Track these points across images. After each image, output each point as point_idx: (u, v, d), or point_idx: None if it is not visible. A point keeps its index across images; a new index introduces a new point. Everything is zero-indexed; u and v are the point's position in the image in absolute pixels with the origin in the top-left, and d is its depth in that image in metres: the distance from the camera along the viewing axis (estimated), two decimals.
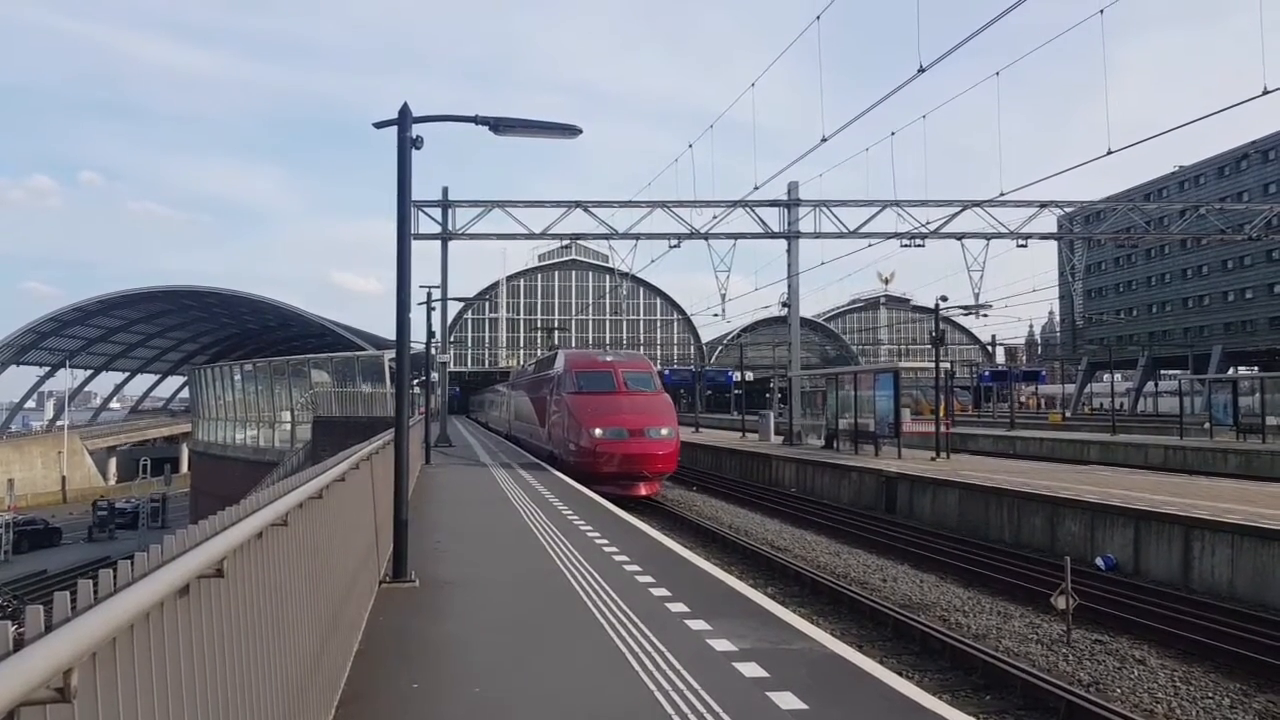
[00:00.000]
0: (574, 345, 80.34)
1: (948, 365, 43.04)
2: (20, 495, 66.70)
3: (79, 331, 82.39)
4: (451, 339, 47.87)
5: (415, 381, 37.62)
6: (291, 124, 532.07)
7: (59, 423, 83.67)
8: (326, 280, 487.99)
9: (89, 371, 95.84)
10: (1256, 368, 66.79)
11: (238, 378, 59.03)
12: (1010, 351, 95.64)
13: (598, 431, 22.42)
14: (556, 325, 65.06)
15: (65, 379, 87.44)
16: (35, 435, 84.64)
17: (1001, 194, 25.94)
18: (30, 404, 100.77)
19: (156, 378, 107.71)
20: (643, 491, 22.58)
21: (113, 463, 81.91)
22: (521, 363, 73.06)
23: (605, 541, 11.51)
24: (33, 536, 49.56)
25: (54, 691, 1.52)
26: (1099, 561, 15.15)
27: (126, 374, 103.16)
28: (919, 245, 33.85)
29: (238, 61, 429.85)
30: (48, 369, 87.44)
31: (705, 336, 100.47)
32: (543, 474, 21.85)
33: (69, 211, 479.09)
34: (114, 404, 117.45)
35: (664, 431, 22.91)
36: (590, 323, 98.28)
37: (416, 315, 26.55)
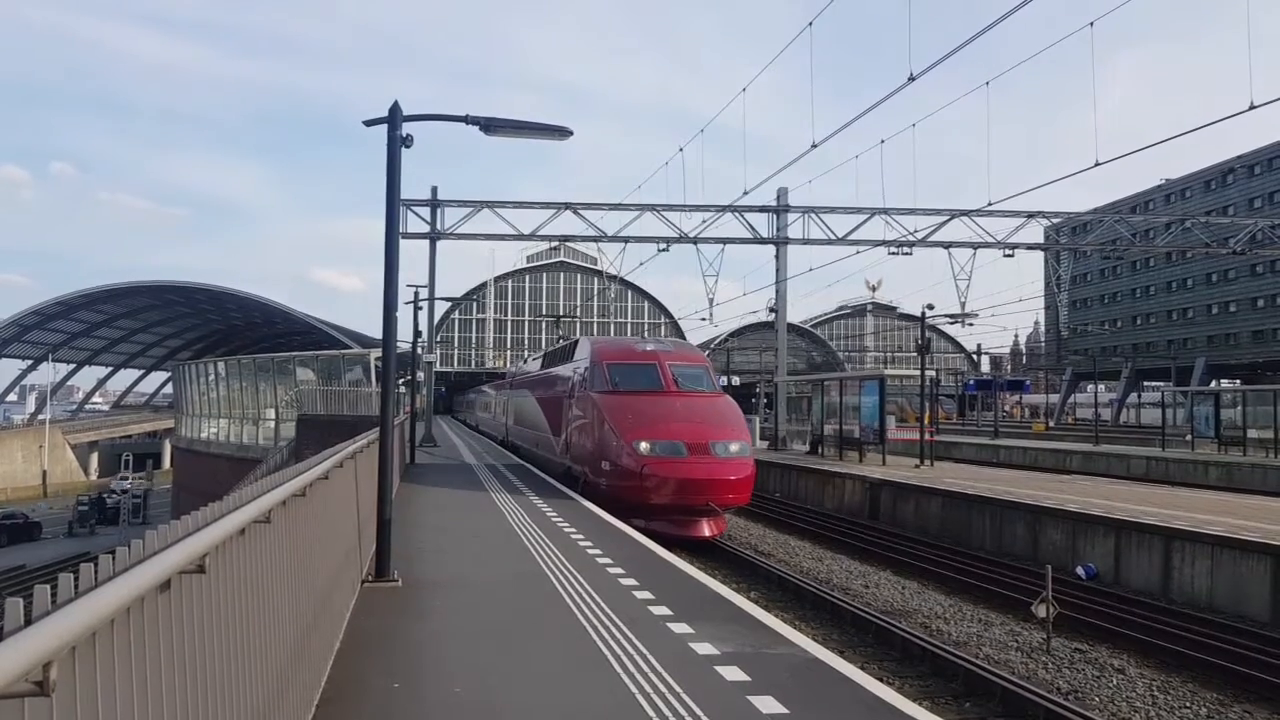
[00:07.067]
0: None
1: (933, 373, 43.30)
2: (0, 489, 66.11)
3: (62, 325, 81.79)
4: (438, 339, 47.79)
5: (400, 381, 37.53)
6: (271, 119, 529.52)
7: (40, 416, 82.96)
8: (306, 277, 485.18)
9: (71, 366, 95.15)
10: (1239, 381, 67.31)
11: (222, 374, 58.72)
12: (995, 360, 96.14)
13: (644, 446, 16.68)
14: (562, 315, 60.01)
15: (48, 373, 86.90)
16: (16, 429, 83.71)
17: (989, 204, 26.13)
18: (12, 397, 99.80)
19: (140, 373, 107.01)
20: (706, 532, 17.16)
21: (94, 457, 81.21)
22: (509, 364, 72.27)
23: (589, 544, 11.50)
24: (12, 531, 49.08)
25: (33, 685, 1.51)
26: (1080, 570, 15.25)
27: (110, 369, 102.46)
28: (907, 253, 34.00)
29: (217, 56, 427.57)
30: (30, 362, 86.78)
31: (692, 341, 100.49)
32: (528, 475, 21.75)
33: (43, 203, 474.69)
34: (96, 399, 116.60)
35: (734, 447, 17.11)
36: (578, 325, 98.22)
37: (403, 314, 26.35)
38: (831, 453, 29.31)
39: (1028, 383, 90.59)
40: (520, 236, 34.23)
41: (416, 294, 29.54)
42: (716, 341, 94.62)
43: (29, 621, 1.56)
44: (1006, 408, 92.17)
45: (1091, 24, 19.06)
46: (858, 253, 34.32)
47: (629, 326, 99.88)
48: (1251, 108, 15.97)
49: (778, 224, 34.10)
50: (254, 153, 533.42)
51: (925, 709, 5.81)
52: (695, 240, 33.78)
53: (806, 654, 6.67)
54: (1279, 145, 66.71)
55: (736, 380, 62.99)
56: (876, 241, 33.44)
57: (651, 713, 5.23)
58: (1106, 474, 29.62)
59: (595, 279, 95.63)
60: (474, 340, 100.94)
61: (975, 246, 34.30)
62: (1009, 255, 34.63)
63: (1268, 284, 68.28)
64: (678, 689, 5.65)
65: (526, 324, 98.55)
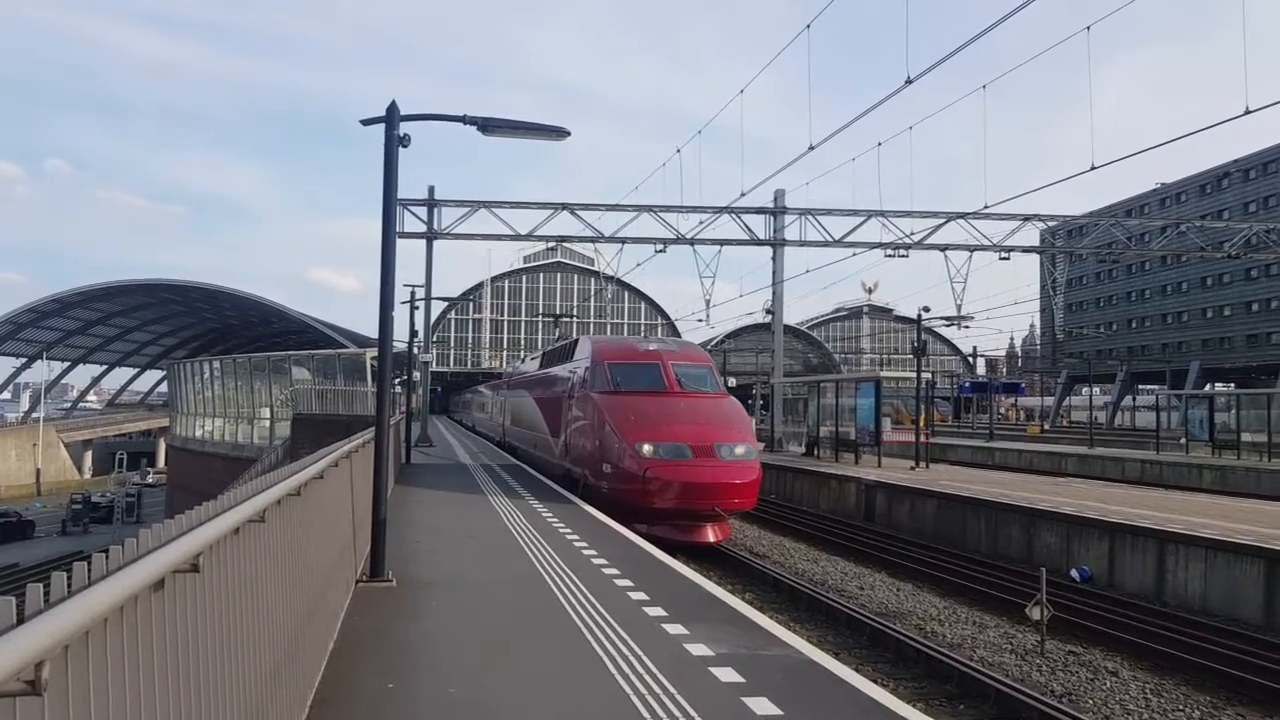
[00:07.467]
0: None
1: (929, 375, 43.35)
2: None
3: (57, 323, 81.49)
4: (434, 339, 47.70)
5: (396, 380, 37.49)
6: (271, 119, 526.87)
7: (34, 415, 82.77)
8: (303, 276, 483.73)
9: (66, 364, 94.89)
10: (1233, 384, 67.53)
11: (217, 372, 58.60)
12: (991, 363, 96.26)
13: (646, 449, 16.21)
14: (560, 315, 59.10)
15: (42, 371, 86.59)
16: (10, 427, 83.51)
17: (985, 206, 26.20)
18: (5, 395, 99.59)
19: (135, 371, 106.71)
20: (710, 537, 16.70)
21: (88, 456, 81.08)
22: (505, 364, 72.14)
23: (584, 545, 11.49)
24: (5, 529, 48.93)
25: (25, 684, 1.50)
26: (1074, 573, 15.27)
27: (104, 367, 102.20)
28: (903, 255, 34.07)
29: (217, 56, 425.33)
30: (24, 360, 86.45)
31: None
32: (525, 476, 21.74)
33: (39, 200, 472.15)
34: (91, 397, 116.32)
35: (739, 450, 16.64)
36: (575, 325, 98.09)
37: (399, 314, 26.28)
38: (827, 454, 29.32)
39: (1023, 385, 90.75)
40: (517, 237, 34.22)
41: (413, 294, 29.56)
42: (713, 343, 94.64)
43: (21, 620, 1.55)
44: (1002, 410, 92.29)
45: (1088, 28, 19.14)
46: (854, 255, 34.44)
47: (626, 327, 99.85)
48: (1247, 112, 16.03)
49: (774, 226, 34.13)
50: (253, 152, 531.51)
51: (919, 711, 5.82)
52: (692, 241, 33.80)
53: (801, 655, 6.67)
54: (1274, 150, 66.98)
55: (733, 381, 62.97)
56: (873, 244, 33.50)
57: (646, 714, 5.22)
58: (1101, 477, 29.66)
59: (592, 280, 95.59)
60: (470, 340, 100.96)
61: (971, 249, 34.34)
62: (1005, 258, 34.70)
63: (1262, 288, 68.53)
64: (672, 690, 5.64)
65: (523, 324, 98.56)
